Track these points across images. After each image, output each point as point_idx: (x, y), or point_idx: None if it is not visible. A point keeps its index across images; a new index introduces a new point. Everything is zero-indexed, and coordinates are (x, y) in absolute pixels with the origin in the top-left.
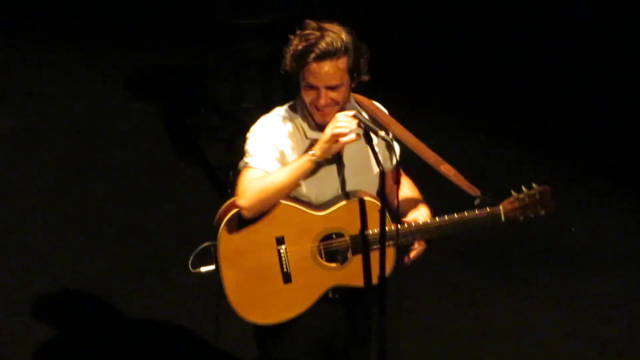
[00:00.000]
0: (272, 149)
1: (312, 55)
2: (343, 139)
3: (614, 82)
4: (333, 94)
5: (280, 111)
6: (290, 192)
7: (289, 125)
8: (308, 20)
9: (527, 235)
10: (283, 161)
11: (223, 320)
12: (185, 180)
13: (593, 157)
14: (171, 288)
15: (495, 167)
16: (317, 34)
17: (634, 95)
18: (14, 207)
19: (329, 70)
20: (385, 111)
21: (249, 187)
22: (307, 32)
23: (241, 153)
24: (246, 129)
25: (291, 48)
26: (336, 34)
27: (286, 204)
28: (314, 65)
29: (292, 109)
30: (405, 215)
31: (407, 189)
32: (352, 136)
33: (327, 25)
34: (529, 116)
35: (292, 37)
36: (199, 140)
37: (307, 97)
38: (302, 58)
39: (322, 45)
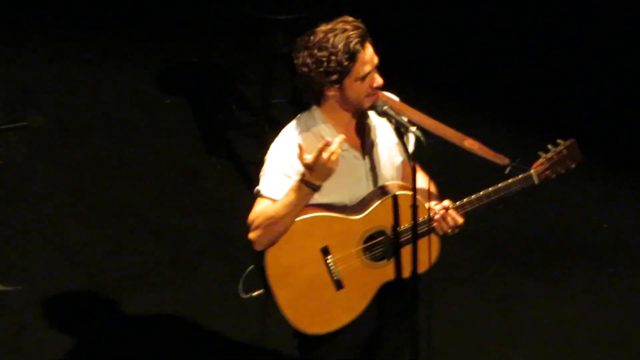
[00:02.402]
0: (287, 173)
1: (357, 45)
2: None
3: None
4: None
5: (297, 123)
6: (295, 218)
7: (308, 136)
8: (318, 28)
9: (558, 231)
10: None
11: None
12: (216, 175)
13: (625, 152)
14: (203, 283)
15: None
16: (340, 26)
17: None
18: (46, 204)
19: (372, 50)
20: (396, 99)
21: (256, 222)
22: (330, 30)
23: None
24: (277, 124)
25: (328, 57)
26: (349, 19)
27: (323, 215)
28: (362, 53)
29: (309, 117)
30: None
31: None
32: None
33: (334, 21)
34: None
35: (310, 53)
36: (229, 136)
37: (362, 89)
38: (351, 54)
39: (357, 31)
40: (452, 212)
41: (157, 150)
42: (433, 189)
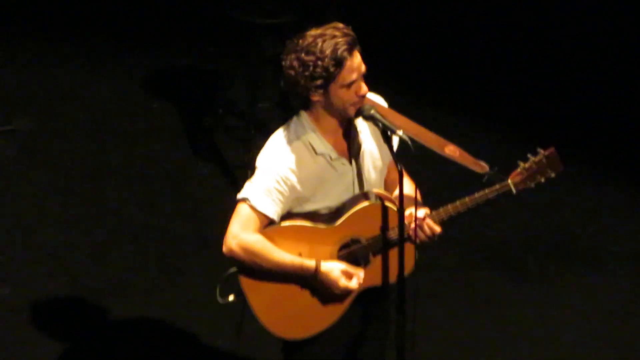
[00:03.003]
0: (279, 187)
1: (345, 52)
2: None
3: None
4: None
5: (286, 131)
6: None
7: (298, 146)
8: (307, 32)
9: (545, 234)
10: (293, 193)
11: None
12: (202, 179)
13: (613, 156)
14: (188, 288)
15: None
16: (330, 32)
17: None
18: (32, 207)
19: (359, 58)
20: (382, 102)
21: (244, 242)
22: (319, 35)
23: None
24: (263, 127)
25: (314, 62)
26: (339, 25)
27: (300, 224)
28: (349, 61)
29: (298, 124)
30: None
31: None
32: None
33: (324, 27)
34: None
35: (297, 57)
36: (216, 140)
37: (347, 96)
38: (338, 60)
39: (346, 38)
40: (429, 221)
41: (144, 153)
42: (418, 195)
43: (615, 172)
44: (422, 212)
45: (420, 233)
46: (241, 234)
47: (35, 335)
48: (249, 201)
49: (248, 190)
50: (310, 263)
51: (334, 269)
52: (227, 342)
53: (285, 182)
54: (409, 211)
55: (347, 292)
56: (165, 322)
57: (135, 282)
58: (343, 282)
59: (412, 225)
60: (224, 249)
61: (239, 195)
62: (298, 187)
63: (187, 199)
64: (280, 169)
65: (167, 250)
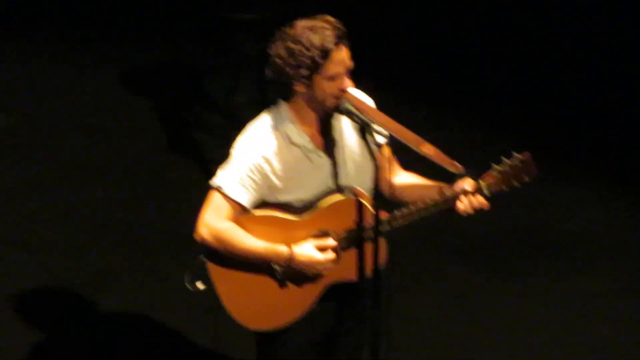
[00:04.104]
0: (251, 174)
1: (332, 44)
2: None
3: (604, 69)
4: (349, 76)
5: (264, 120)
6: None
7: (275, 136)
8: (296, 22)
9: (523, 230)
10: (265, 181)
11: (220, 319)
12: (180, 175)
13: (588, 153)
14: (167, 284)
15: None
16: (320, 24)
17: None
18: (11, 203)
19: (347, 53)
20: (368, 100)
21: (215, 229)
22: (309, 26)
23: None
24: (241, 124)
25: (301, 51)
26: (330, 19)
27: (271, 215)
28: (336, 53)
29: (277, 114)
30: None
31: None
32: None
33: (314, 18)
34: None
35: (285, 45)
36: (194, 136)
37: (330, 88)
38: (325, 51)
39: (335, 31)
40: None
41: (122, 150)
42: (420, 180)
43: (592, 168)
44: (468, 184)
45: (467, 205)
46: (213, 221)
47: (14, 330)
48: (222, 189)
49: (221, 177)
50: (282, 248)
51: (305, 246)
52: (206, 337)
53: (259, 171)
54: (460, 183)
55: (326, 265)
56: (145, 316)
57: (115, 278)
58: (319, 255)
59: (463, 197)
60: (196, 236)
61: (212, 182)
62: (272, 176)
63: (165, 194)
64: (254, 158)
65: (146, 245)
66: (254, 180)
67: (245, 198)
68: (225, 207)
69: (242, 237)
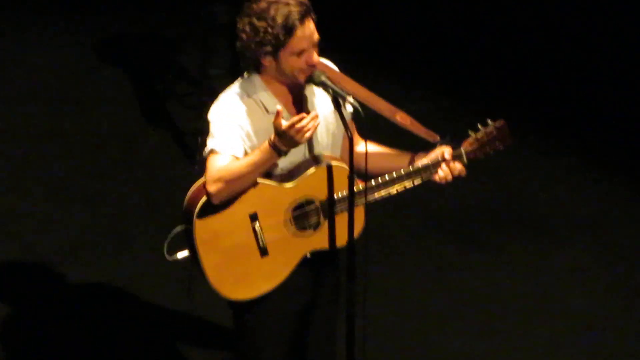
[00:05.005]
0: (236, 129)
1: (296, 20)
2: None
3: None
4: (316, 49)
5: (237, 88)
6: (257, 179)
7: (249, 102)
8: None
9: (497, 203)
10: (249, 141)
11: (196, 288)
12: (153, 146)
13: (563, 125)
14: (139, 254)
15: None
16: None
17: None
18: None
19: (312, 27)
20: (334, 67)
21: (217, 174)
22: (273, 1)
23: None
24: (215, 95)
25: (265, 28)
26: None
27: (257, 181)
28: (300, 29)
29: (249, 84)
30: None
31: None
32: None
33: None
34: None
35: (249, 21)
36: (167, 107)
37: (297, 63)
38: (288, 28)
39: (299, 7)
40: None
41: (95, 120)
42: (384, 149)
43: (567, 139)
44: (447, 152)
45: (447, 172)
46: (214, 173)
47: None
48: (215, 150)
49: (210, 142)
50: (265, 143)
51: (280, 123)
52: (182, 307)
53: (242, 128)
54: (438, 151)
55: (312, 127)
56: (117, 287)
57: (87, 248)
58: (301, 122)
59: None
60: (212, 199)
61: (204, 152)
62: (253, 136)
63: (138, 165)
64: (235, 117)
65: (118, 216)
66: (240, 135)
67: (238, 149)
68: (222, 162)
69: (238, 164)
